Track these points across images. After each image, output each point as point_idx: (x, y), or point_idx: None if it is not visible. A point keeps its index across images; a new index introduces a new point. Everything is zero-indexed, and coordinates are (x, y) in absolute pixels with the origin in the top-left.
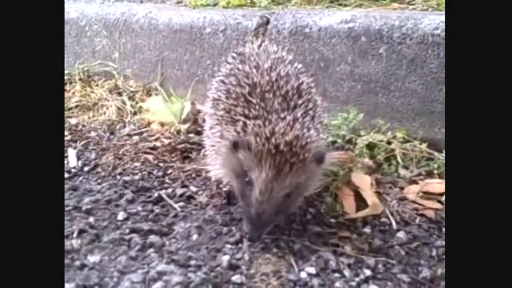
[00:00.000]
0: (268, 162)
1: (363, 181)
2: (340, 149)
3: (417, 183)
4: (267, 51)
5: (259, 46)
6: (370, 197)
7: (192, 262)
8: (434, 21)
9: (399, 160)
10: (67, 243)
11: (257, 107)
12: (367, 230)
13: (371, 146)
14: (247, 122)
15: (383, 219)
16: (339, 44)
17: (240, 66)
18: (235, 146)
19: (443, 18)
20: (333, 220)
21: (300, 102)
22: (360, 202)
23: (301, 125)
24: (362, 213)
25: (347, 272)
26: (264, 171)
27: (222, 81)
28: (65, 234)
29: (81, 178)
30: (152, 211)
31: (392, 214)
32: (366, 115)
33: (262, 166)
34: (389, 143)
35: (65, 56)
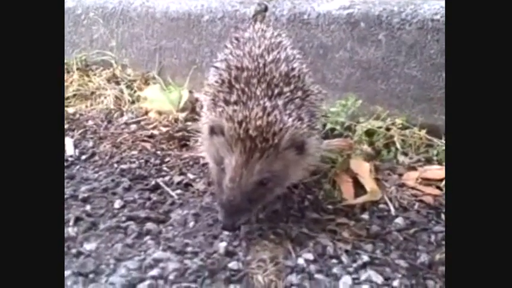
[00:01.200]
0: (239, 147)
1: (362, 167)
2: (339, 136)
3: (416, 169)
4: (263, 36)
5: (257, 31)
6: (369, 183)
7: (189, 249)
8: (434, 6)
9: (398, 147)
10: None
11: (239, 92)
12: (365, 216)
13: (369, 133)
14: (226, 107)
15: (382, 206)
16: (337, 30)
17: (234, 51)
18: (211, 130)
19: (442, 3)
20: (331, 206)
21: (286, 89)
22: (359, 188)
23: (279, 112)
24: (360, 200)
25: (344, 258)
26: (234, 157)
27: (215, 67)
28: None
29: (78, 167)
30: (149, 199)
31: (390, 200)
32: (365, 102)
33: (233, 152)
34: (388, 129)
35: None
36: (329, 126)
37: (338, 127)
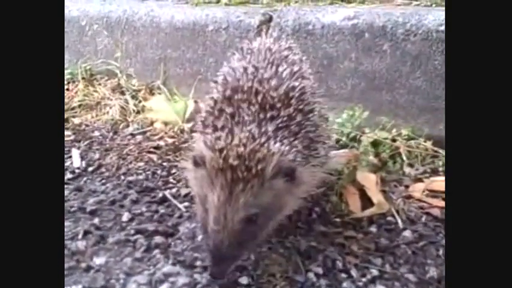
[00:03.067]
0: (219, 180)
1: (368, 180)
2: (344, 147)
3: (422, 181)
4: (269, 48)
5: (263, 43)
6: (375, 195)
7: (198, 263)
8: (439, 17)
9: (404, 158)
10: (72, 245)
11: (227, 116)
12: (373, 229)
13: (375, 144)
14: (211, 134)
15: (389, 218)
16: (342, 41)
17: (234, 65)
18: (194, 162)
19: None
20: (338, 219)
21: (284, 113)
22: (366, 201)
23: (267, 138)
24: (367, 212)
25: (353, 272)
26: (216, 192)
27: (214, 81)
28: (70, 235)
29: (85, 178)
30: (157, 212)
31: (397, 213)
32: (370, 112)
33: (215, 186)
34: (393, 140)
35: (67, 55)
36: (334, 137)
37: (343, 138)
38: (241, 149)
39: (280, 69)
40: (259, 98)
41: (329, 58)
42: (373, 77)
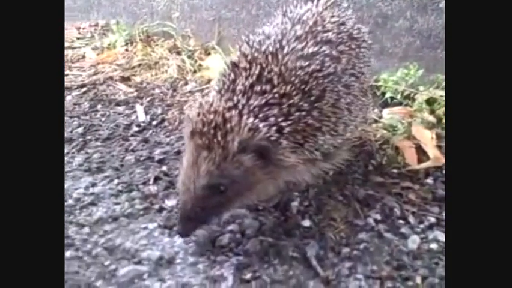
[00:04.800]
0: (191, 144)
1: (424, 135)
2: (398, 105)
3: None
4: (300, 19)
5: (309, 12)
6: (431, 149)
7: (261, 207)
8: None
9: None
10: (145, 189)
11: (227, 82)
12: (429, 180)
13: (430, 102)
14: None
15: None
16: None
17: (264, 29)
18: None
19: None
20: (395, 171)
21: (277, 89)
22: (422, 155)
23: (248, 112)
24: (424, 165)
25: (411, 219)
26: (186, 154)
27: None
28: (142, 181)
29: (150, 131)
30: None
31: None
32: (425, 71)
33: (187, 148)
34: None
35: (125, 17)
36: (388, 94)
37: (398, 96)
38: (212, 116)
39: (301, 45)
40: (258, 69)
41: (383, 16)
42: (428, 35)
